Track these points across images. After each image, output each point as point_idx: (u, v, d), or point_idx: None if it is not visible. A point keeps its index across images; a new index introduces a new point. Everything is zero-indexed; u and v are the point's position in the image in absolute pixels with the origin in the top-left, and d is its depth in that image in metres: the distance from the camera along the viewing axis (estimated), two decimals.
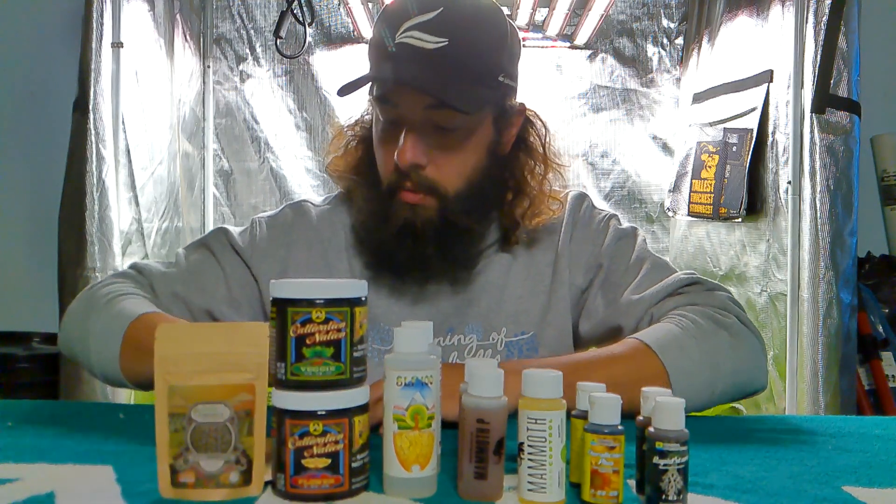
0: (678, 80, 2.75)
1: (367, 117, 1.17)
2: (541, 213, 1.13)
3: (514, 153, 1.13)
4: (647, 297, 1.08)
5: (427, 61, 0.99)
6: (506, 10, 2.75)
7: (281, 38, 2.49)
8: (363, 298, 0.69)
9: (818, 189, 1.94)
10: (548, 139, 1.15)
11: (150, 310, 1.00)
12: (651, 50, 2.76)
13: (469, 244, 1.11)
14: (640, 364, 0.93)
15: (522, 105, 1.13)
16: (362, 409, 0.68)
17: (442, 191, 1.05)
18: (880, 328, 2.36)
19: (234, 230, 1.17)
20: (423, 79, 0.99)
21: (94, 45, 1.94)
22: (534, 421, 0.65)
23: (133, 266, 1.14)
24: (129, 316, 0.98)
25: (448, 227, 1.05)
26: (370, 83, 1.05)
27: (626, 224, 1.18)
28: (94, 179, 1.92)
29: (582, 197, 1.20)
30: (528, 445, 0.65)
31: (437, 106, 1.01)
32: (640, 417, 0.71)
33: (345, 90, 1.03)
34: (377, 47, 1.04)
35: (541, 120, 1.16)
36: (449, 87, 0.99)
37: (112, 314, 1.00)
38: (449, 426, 0.76)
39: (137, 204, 2.13)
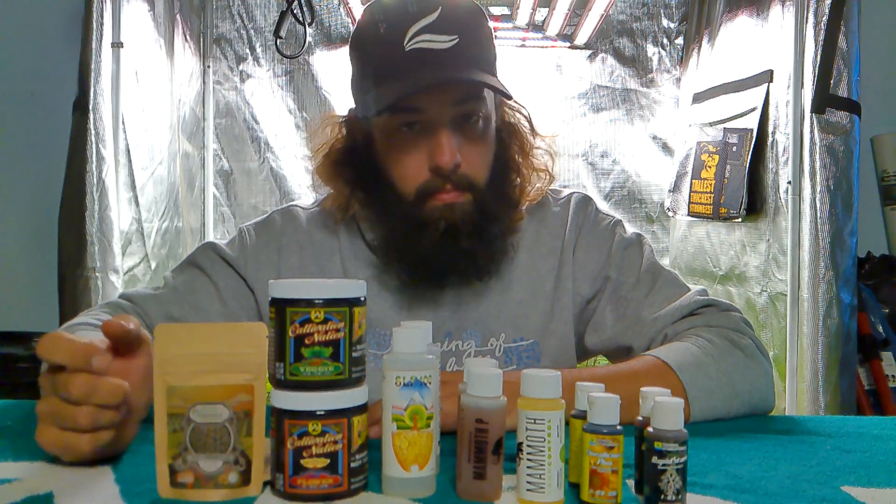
0: (678, 80, 2.75)
1: (340, 136, 1.14)
2: (533, 189, 1.13)
3: (499, 135, 1.13)
4: (662, 316, 1.07)
5: (446, 59, 1.00)
6: (506, 10, 2.77)
7: (281, 38, 2.49)
8: (362, 298, 0.69)
9: (818, 189, 1.94)
10: (528, 115, 1.15)
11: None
12: (651, 50, 2.76)
13: (505, 233, 1.10)
14: (659, 382, 0.90)
15: None
16: (361, 409, 0.68)
17: (477, 185, 1.04)
18: (880, 328, 2.36)
19: (221, 242, 1.14)
20: (456, 73, 1.00)
21: (94, 45, 1.94)
22: (532, 421, 0.65)
23: (122, 295, 1.10)
24: None
25: (485, 221, 1.05)
26: (398, 102, 1.02)
27: (630, 231, 1.17)
28: (94, 179, 1.92)
29: (586, 201, 1.18)
30: (527, 445, 0.65)
31: (463, 100, 1.02)
32: (640, 417, 0.71)
33: (381, 112, 1.00)
34: (385, 59, 1.02)
35: (515, 100, 1.15)
36: (479, 77, 1.00)
37: None
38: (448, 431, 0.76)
39: (137, 204, 2.13)
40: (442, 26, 1.00)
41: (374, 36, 1.03)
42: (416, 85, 0.99)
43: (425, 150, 1.02)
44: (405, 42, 0.99)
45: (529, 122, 1.15)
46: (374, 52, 1.04)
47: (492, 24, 1.11)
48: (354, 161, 1.11)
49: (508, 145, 1.13)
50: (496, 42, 1.10)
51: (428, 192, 1.03)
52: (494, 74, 1.06)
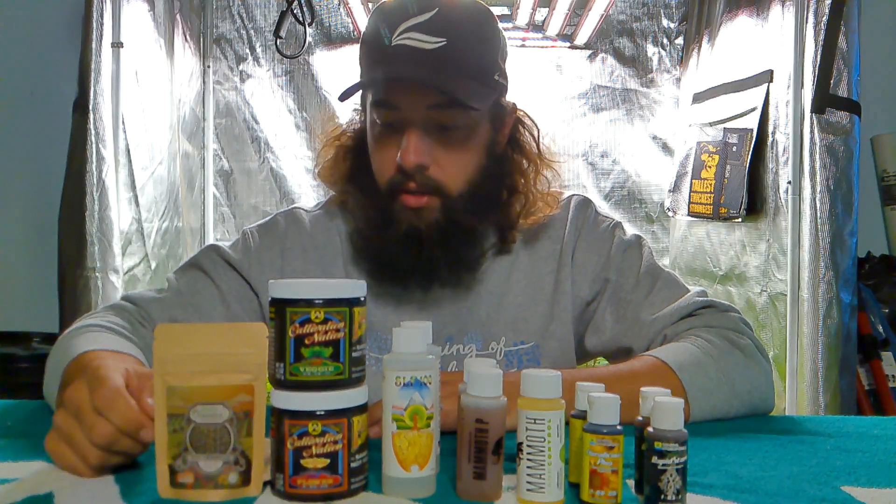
0: (678, 80, 2.75)
1: (354, 127, 1.15)
2: (535, 212, 1.12)
3: (507, 152, 1.12)
4: (662, 317, 1.07)
5: (427, 61, 0.99)
6: (506, 10, 2.77)
7: (281, 38, 2.49)
8: (362, 298, 0.69)
9: (818, 189, 1.94)
10: (539, 138, 1.15)
11: (98, 347, 0.88)
12: (651, 50, 2.76)
13: (473, 245, 1.09)
14: (659, 382, 0.89)
15: (514, 104, 1.13)
16: (361, 409, 0.68)
17: (446, 191, 1.03)
18: (880, 328, 2.36)
19: (225, 244, 1.14)
20: (426, 77, 0.99)
21: (94, 45, 1.94)
22: (532, 421, 0.65)
23: (125, 297, 1.10)
24: (72, 354, 0.87)
25: (452, 229, 1.04)
26: (362, 89, 1.04)
27: (630, 233, 1.16)
28: (94, 179, 1.92)
29: (586, 203, 1.18)
30: (527, 445, 0.65)
31: (439, 105, 1.00)
32: (640, 417, 0.71)
33: (345, 96, 1.02)
34: (373, 50, 1.03)
35: (531, 119, 1.15)
36: (453, 85, 0.99)
37: (60, 351, 0.92)
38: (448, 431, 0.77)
39: (137, 204, 2.13)
40: (432, 27, 0.99)
41: (371, 29, 1.04)
42: (385, 76, 1.00)
43: (396, 147, 1.02)
44: (393, 37, 1.00)
45: (537, 143, 1.14)
46: (366, 43, 1.05)
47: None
48: (355, 153, 1.12)
49: (513, 163, 1.12)
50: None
51: (394, 189, 1.03)
52: (487, 82, 1.05)
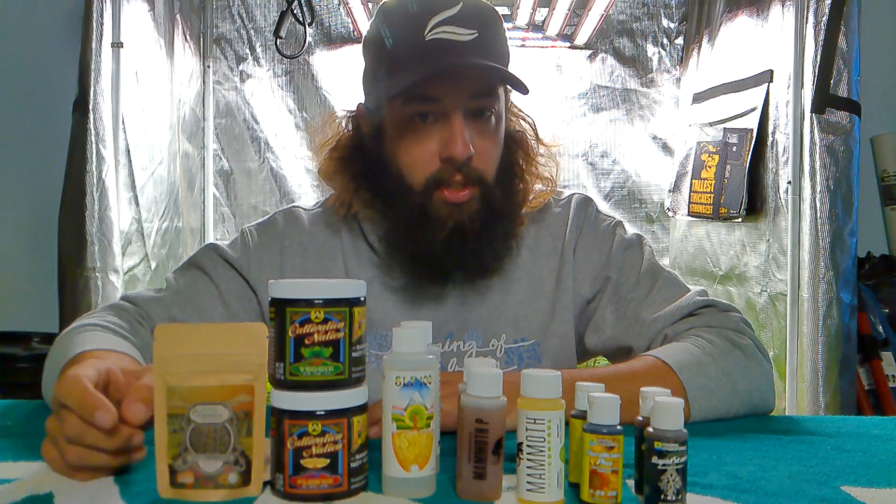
0: (678, 80, 2.75)
1: (344, 136, 1.14)
2: (537, 195, 1.13)
3: (505, 141, 1.12)
4: (662, 317, 1.07)
5: (467, 51, 1.00)
6: (506, 10, 2.77)
7: (281, 38, 2.49)
8: (362, 298, 0.69)
9: (818, 189, 1.94)
10: (533, 123, 1.16)
11: (96, 346, 0.87)
12: (651, 50, 2.76)
13: (510, 232, 1.09)
14: (659, 382, 0.90)
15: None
16: (361, 409, 0.68)
17: (486, 179, 1.04)
18: (880, 328, 2.36)
19: (224, 244, 1.14)
20: (478, 62, 1.00)
21: (94, 45, 1.94)
22: (532, 421, 0.65)
23: (124, 297, 1.09)
24: (70, 354, 0.87)
25: (491, 218, 1.05)
26: (416, 86, 1.02)
27: (631, 232, 1.17)
28: (94, 179, 1.92)
29: (587, 202, 1.19)
30: (527, 445, 0.65)
31: (478, 94, 1.02)
32: (640, 417, 0.71)
33: (396, 96, 1.00)
34: (405, 47, 1.02)
35: (517, 107, 1.17)
36: (499, 71, 1.01)
37: (58, 351, 0.92)
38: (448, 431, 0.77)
39: (137, 204, 2.13)
40: (463, 20, 1.00)
41: (392, 28, 1.04)
42: (439, 67, 0.99)
43: (438, 140, 1.02)
44: (425, 32, 1.00)
45: (534, 130, 1.15)
46: (392, 42, 1.04)
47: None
48: (360, 156, 1.11)
49: (513, 152, 1.12)
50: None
51: (437, 183, 1.03)
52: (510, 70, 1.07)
